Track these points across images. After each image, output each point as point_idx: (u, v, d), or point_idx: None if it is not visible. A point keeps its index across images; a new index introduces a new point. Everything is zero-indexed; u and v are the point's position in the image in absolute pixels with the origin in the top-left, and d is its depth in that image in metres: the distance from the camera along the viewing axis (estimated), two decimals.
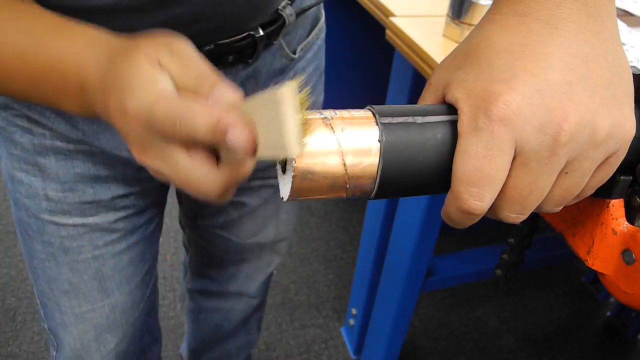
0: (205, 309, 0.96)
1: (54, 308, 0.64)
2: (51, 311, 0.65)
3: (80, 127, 0.52)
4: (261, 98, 0.26)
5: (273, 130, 0.25)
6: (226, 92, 0.29)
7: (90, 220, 0.58)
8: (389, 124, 0.26)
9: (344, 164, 0.26)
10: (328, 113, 0.26)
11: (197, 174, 0.29)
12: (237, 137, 0.27)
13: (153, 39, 0.32)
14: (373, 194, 0.27)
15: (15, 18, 0.35)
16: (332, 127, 0.26)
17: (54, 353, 0.69)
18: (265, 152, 0.26)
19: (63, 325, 0.65)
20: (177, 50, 0.31)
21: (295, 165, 0.25)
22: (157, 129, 0.29)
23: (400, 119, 0.26)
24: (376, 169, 0.26)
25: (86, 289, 0.62)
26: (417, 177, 0.27)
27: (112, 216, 0.59)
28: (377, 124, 0.26)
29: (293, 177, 0.25)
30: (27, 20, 0.35)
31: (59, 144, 0.53)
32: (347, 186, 0.26)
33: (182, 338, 1.33)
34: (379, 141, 0.26)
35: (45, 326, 0.68)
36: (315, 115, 0.26)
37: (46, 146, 0.53)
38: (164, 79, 0.30)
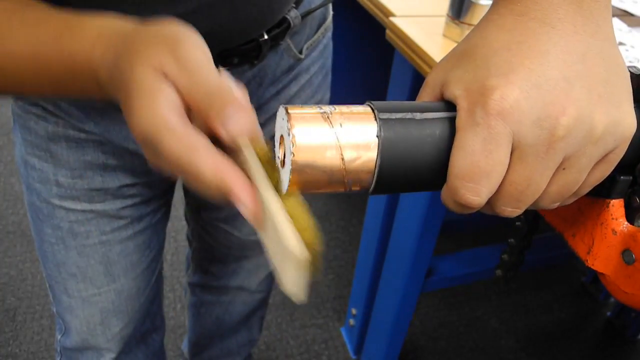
0: (206, 302, 0.96)
1: (62, 291, 0.66)
2: (59, 294, 0.67)
3: (92, 118, 0.54)
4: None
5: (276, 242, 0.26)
6: (238, 120, 0.28)
7: (98, 206, 0.60)
8: (388, 119, 0.26)
9: (342, 159, 0.26)
10: (327, 108, 0.26)
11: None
12: (241, 205, 0.27)
13: (159, 39, 0.30)
14: (371, 189, 0.27)
15: (26, 26, 0.35)
16: (330, 122, 0.26)
17: (59, 337, 0.71)
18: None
19: (70, 308, 0.67)
20: (185, 58, 0.29)
21: (293, 159, 0.25)
22: (160, 155, 0.28)
23: (399, 115, 0.27)
24: (374, 164, 0.26)
25: (93, 273, 0.64)
26: (416, 173, 0.27)
27: (119, 204, 0.61)
28: (375, 120, 0.26)
29: (291, 170, 0.25)
30: (36, 26, 0.35)
31: (71, 132, 0.55)
32: (345, 181, 0.26)
33: (182, 338, 1.33)
34: (378, 136, 0.26)
35: (54, 309, 0.70)
36: (315, 110, 0.26)
37: (59, 134, 0.55)
38: (168, 94, 0.28)
